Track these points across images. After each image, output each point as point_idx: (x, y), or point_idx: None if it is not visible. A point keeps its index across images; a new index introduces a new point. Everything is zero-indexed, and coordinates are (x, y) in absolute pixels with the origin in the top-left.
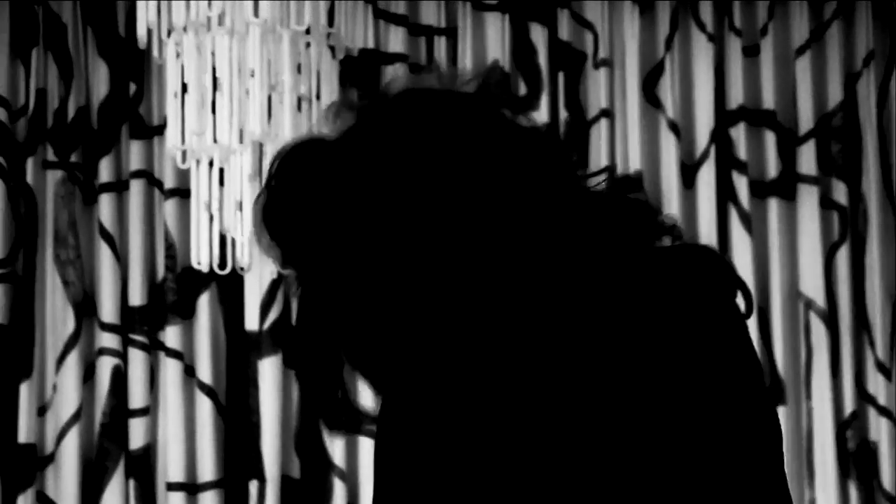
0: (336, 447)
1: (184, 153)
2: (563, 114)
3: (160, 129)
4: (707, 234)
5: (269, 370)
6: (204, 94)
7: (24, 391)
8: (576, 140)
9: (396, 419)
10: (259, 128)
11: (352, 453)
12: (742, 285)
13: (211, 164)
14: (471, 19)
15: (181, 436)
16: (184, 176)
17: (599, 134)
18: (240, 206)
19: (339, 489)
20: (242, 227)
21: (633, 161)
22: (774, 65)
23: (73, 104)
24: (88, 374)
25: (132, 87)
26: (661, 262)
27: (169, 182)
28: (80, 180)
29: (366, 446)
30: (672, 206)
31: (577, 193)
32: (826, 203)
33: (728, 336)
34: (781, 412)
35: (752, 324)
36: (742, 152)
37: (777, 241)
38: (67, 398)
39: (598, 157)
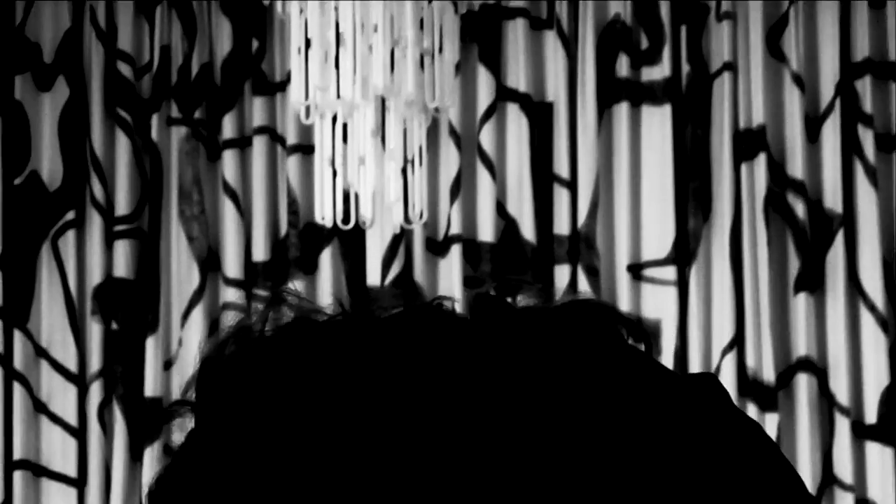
0: None
1: (307, 109)
2: (685, 68)
3: (283, 86)
4: (832, 189)
5: None
6: (327, 50)
7: (150, 346)
8: (698, 93)
9: None
10: (382, 83)
11: None
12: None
13: (334, 119)
14: None
15: None
16: (306, 132)
17: (722, 88)
18: (363, 161)
19: None
20: (365, 183)
21: (757, 115)
22: None
23: (197, 61)
24: (213, 329)
25: (255, 44)
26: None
27: (292, 138)
28: (203, 136)
29: None
30: (796, 160)
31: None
32: None
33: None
34: None
35: (876, 273)
36: (868, 105)
37: None
38: (193, 352)
39: (721, 111)
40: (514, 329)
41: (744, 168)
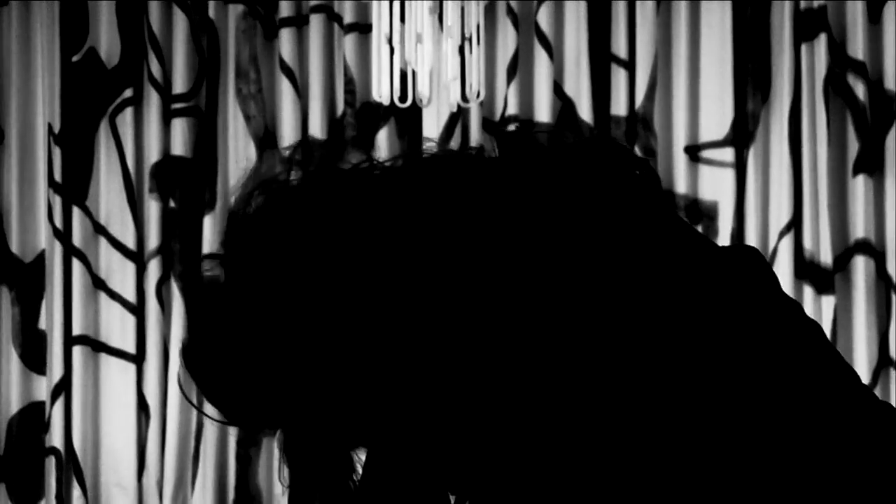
0: None
1: None
2: None
3: None
4: (893, 69)
5: None
6: None
7: (208, 224)
8: None
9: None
10: None
11: None
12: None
13: None
14: None
15: None
16: (364, 10)
17: None
18: (420, 39)
19: None
20: (422, 61)
21: None
22: None
23: None
24: None
25: None
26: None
27: (349, 16)
28: (261, 15)
29: None
30: (857, 41)
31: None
32: None
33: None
34: None
35: None
36: None
37: None
38: None
39: None
40: (533, 164)
41: (804, 48)
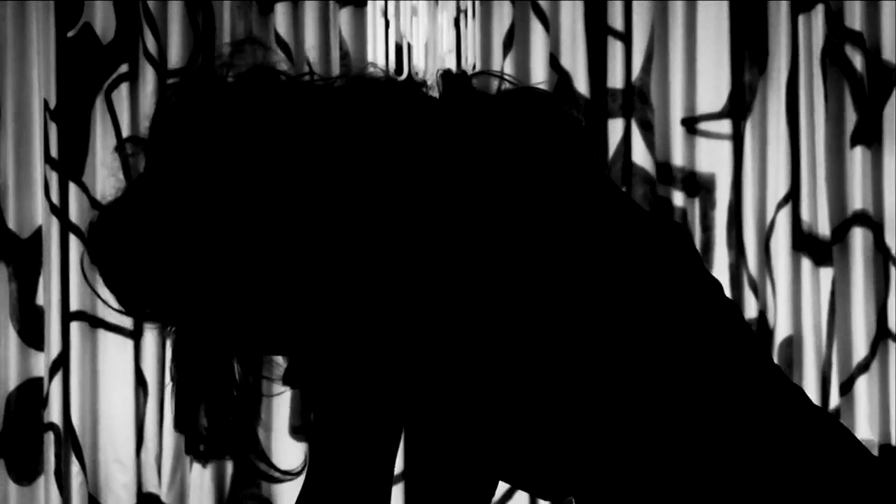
0: None
1: None
2: None
3: None
4: (891, 40)
5: None
6: None
7: None
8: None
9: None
10: None
11: None
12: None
13: None
14: None
15: None
16: None
17: None
18: (415, 12)
19: None
20: (418, 34)
21: None
22: None
23: None
24: None
25: None
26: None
27: None
28: None
29: None
30: (854, 11)
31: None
32: None
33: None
34: None
35: None
36: None
37: None
38: None
39: None
40: (464, 106)
41: (801, 19)
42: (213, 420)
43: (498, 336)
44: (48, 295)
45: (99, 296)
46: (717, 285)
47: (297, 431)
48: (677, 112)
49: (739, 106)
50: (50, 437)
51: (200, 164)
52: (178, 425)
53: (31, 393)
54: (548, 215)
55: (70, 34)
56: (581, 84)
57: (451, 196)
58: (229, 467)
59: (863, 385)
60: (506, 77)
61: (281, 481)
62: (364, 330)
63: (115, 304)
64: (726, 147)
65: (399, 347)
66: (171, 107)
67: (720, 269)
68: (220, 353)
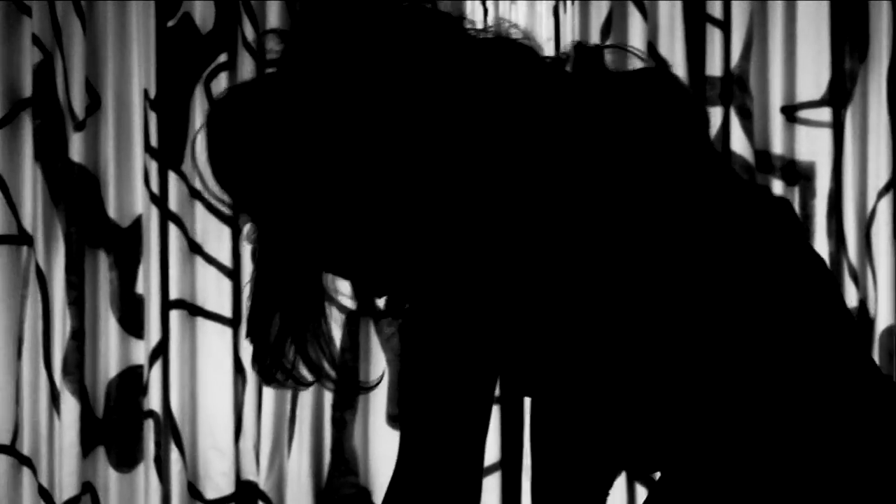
0: None
1: None
2: None
3: None
4: None
5: None
6: None
7: None
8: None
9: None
10: None
11: None
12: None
13: None
14: None
15: None
16: None
17: None
18: (514, 0)
19: None
20: (518, 21)
21: None
22: None
23: None
24: None
25: None
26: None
27: None
28: None
29: None
30: None
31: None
32: None
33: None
34: None
35: None
36: None
37: None
38: None
39: None
40: (597, 79)
41: None
42: (285, 338)
43: (617, 309)
44: (148, 283)
45: (200, 175)
46: (820, 260)
47: (393, 419)
48: (777, 100)
49: (840, 94)
50: (150, 425)
51: (341, 72)
52: (249, 333)
53: (131, 381)
54: (666, 189)
55: (170, 24)
56: (679, 72)
57: (575, 162)
58: (327, 455)
59: None
60: (635, 52)
61: (359, 394)
62: (468, 284)
63: (215, 190)
64: (826, 135)
65: (503, 307)
66: (320, 12)
67: None
68: (302, 268)
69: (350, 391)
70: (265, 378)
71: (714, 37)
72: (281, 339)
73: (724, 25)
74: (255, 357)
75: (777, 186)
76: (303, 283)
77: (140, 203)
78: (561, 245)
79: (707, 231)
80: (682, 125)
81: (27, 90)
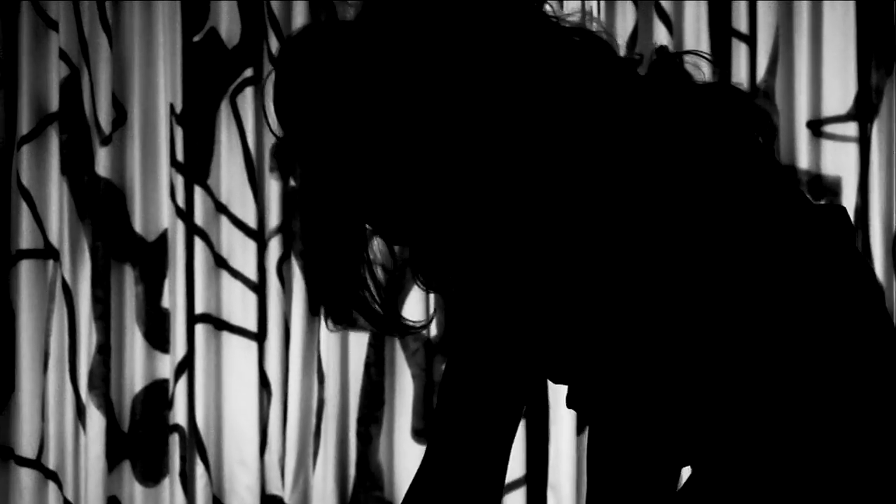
0: None
1: None
2: None
3: None
4: None
5: None
6: None
7: None
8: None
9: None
10: None
11: None
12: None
13: None
14: None
15: None
16: None
17: None
18: None
19: None
20: None
21: None
22: None
23: None
24: None
25: None
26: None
27: None
28: None
29: None
30: None
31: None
32: None
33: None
34: None
35: None
36: None
37: None
38: None
39: None
40: (667, 85)
41: None
42: (335, 281)
43: (657, 310)
44: (174, 297)
45: (267, 119)
46: (869, 268)
47: (418, 434)
48: (802, 114)
49: (866, 108)
50: (175, 439)
51: (414, 30)
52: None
53: (156, 395)
54: (715, 194)
55: (196, 39)
56: None
57: (624, 161)
58: (352, 469)
59: None
60: (708, 58)
61: (406, 334)
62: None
63: (277, 131)
64: (852, 150)
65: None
66: None
67: None
68: (346, 216)
69: (397, 331)
70: (335, 319)
71: (740, 51)
72: (338, 278)
73: (750, 40)
74: (322, 299)
75: None
76: (347, 230)
77: (166, 217)
78: (607, 239)
79: (752, 236)
80: (742, 136)
81: (54, 105)
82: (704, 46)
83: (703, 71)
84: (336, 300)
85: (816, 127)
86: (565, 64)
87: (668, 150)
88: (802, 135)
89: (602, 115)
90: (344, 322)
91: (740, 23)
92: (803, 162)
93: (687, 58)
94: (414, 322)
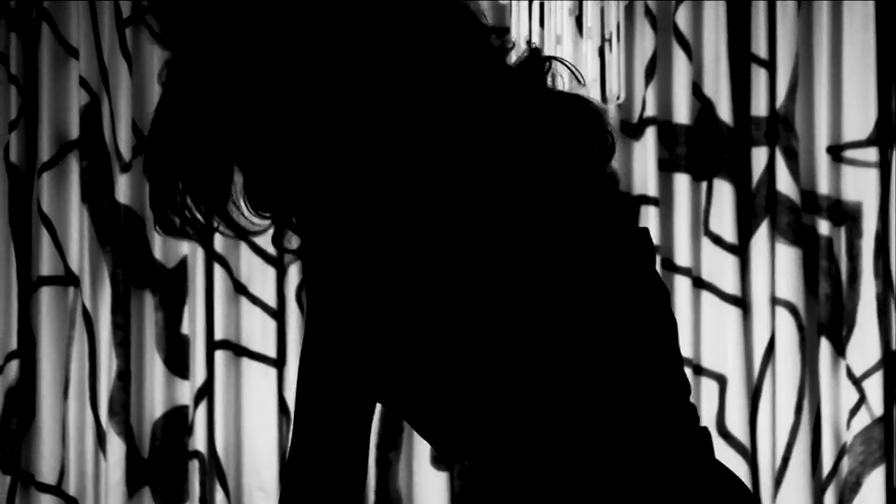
0: None
1: None
2: None
3: None
4: None
5: None
6: None
7: None
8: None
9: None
10: None
11: None
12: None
13: None
14: None
15: None
16: (501, 12)
17: None
18: (559, 41)
19: None
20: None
21: None
22: None
23: None
24: None
25: None
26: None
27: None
28: None
29: None
30: None
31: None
32: None
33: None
34: None
35: None
36: None
37: None
38: None
39: None
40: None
41: None
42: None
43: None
44: (193, 324)
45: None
46: (664, 290)
47: (438, 461)
48: (823, 140)
49: (886, 133)
50: (195, 465)
51: None
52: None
53: (176, 421)
54: (546, 192)
55: None
56: (724, 112)
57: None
58: (371, 495)
59: None
60: (571, 67)
61: (244, 238)
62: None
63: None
64: (873, 175)
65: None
66: None
67: (867, 299)
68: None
69: (237, 234)
70: (161, 226)
71: (759, 76)
72: (178, 185)
73: (770, 65)
74: (153, 204)
75: (823, 227)
76: (193, 144)
77: (185, 244)
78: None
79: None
80: (574, 146)
81: (74, 132)
82: (724, 72)
83: (563, 79)
84: (166, 207)
85: (836, 152)
86: (429, 24)
87: (496, 134)
88: (822, 160)
89: (452, 79)
90: (171, 232)
91: (760, 48)
92: (823, 187)
93: (555, 63)
94: (256, 225)
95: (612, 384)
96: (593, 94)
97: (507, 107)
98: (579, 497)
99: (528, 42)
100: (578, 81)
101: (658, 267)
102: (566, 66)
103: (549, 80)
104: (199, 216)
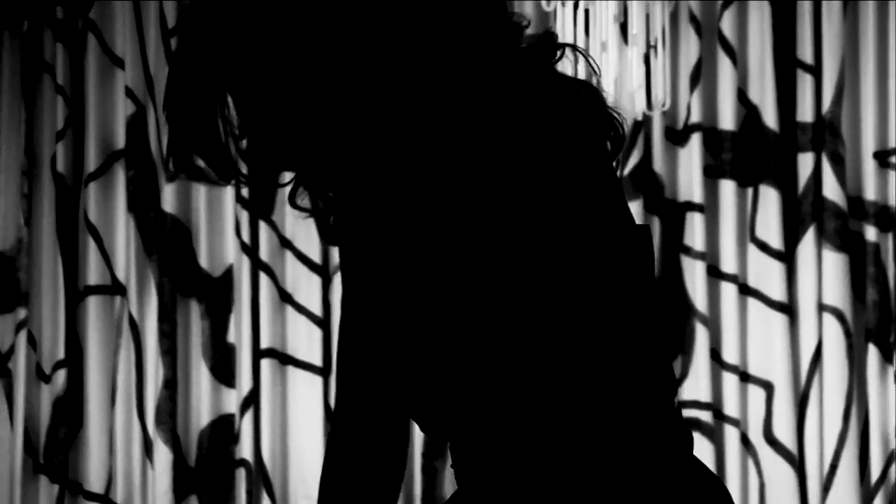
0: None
1: None
2: None
3: None
4: None
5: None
6: None
7: None
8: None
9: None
10: None
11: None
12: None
13: (576, 5)
14: None
15: None
16: (546, 18)
17: None
18: (604, 48)
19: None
20: (607, 69)
21: None
22: None
23: None
24: None
25: None
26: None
27: (531, 27)
28: None
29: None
30: None
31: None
32: None
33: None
34: None
35: None
36: None
37: None
38: None
39: None
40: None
41: None
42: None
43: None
44: (239, 332)
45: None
46: (657, 285)
47: None
48: (869, 145)
49: None
50: (241, 474)
51: None
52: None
53: (222, 429)
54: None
55: None
56: (770, 118)
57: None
58: (418, 503)
59: None
60: (588, 57)
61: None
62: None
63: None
64: None
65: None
66: None
67: None
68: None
69: (235, 177)
70: (177, 168)
71: (805, 82)
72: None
73: (816, 70)
74: (172, 142)
75: (870, 232)
76: (211, 91)
77: (231, 253)
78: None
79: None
80: (574, 133)
81: (120, 141)
82: (769, 77)
83: (573, 67)
84: (186, 147)
85: (883, 158)
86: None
87: (505, 115)
88: (869, 166)
89: (462, 57)
90: (186, 170)
91: (805, 53)
92: (870, 193)
93: (568, 52)
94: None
95: (594, 379)
96: (639, 100)
97: (510, 85)
98: (546, 486)
99: (569, 45)
100: (594, 71)
101: (702, 274)
102: (581, 54)
103: (559, 65)
104: (230, 142)
